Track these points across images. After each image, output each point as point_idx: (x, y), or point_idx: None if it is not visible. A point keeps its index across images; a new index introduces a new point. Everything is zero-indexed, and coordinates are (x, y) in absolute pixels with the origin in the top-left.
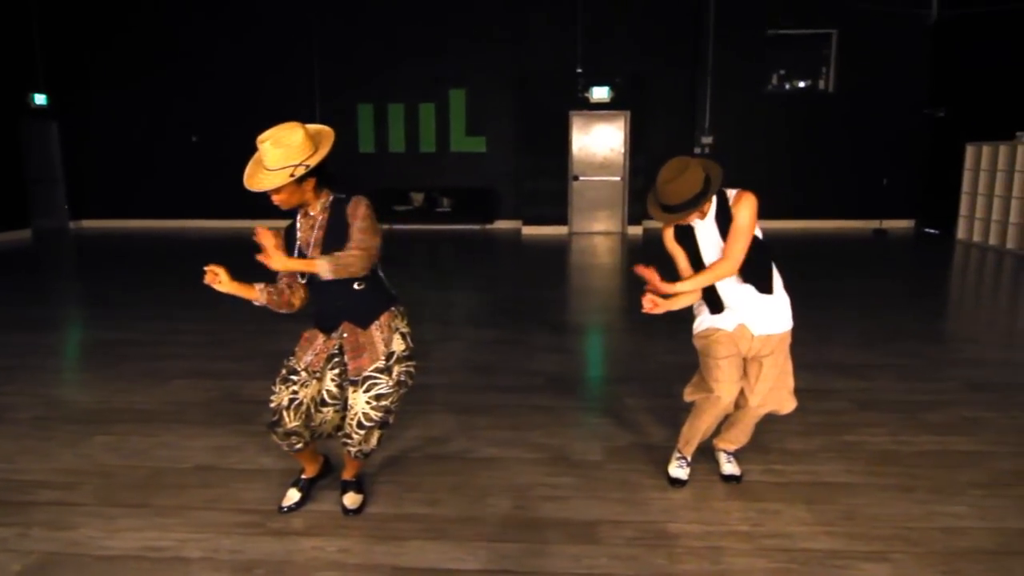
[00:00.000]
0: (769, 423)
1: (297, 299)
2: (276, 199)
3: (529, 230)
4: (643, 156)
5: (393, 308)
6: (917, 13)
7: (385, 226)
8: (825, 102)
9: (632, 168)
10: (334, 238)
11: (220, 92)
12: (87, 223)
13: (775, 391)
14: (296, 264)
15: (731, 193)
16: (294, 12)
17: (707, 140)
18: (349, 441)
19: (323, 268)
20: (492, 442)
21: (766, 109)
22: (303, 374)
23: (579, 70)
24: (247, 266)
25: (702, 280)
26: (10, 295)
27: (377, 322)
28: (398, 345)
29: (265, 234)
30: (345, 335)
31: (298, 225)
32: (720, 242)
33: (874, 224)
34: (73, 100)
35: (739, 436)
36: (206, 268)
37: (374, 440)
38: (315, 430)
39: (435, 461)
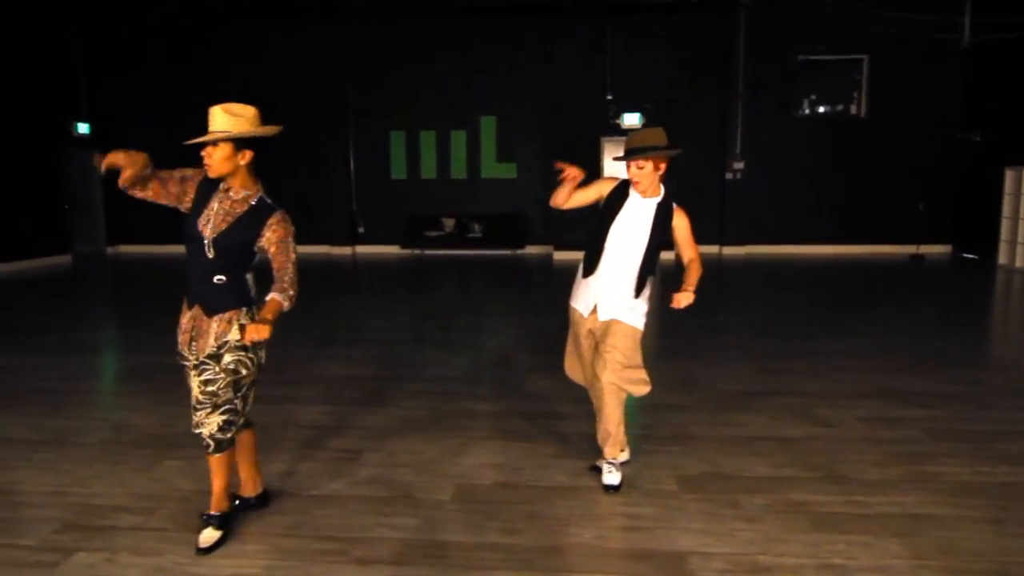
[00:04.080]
0: (842, 452)
1: (138, 191)
2: (208, 159)
3: (561, 255)
4: (674, 181)
5: (244, 308)
6: (949, 38)
7: (416, 251)
8: (857, 127)
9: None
10: (233, 236)
11: None
12: (124, 248)
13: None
14: (270, 320)
15: (674, 205)
16: (328, 41)
17: (738, 165)
18: (193, 420)
19: (284, 303)
20: (561, 470)
21: (798, 134)
22: (184, 362)
23: (609, 97)
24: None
25: (698, 274)
26: (56, 320)
27: (220, 315)
28: (233, 335)
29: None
30: (194, 318)
31: (216, 198)
32: (648, 229)
33: (910, 249)
34: (112, 129)
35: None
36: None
37: (213, 425)
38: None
39: (508, 489)
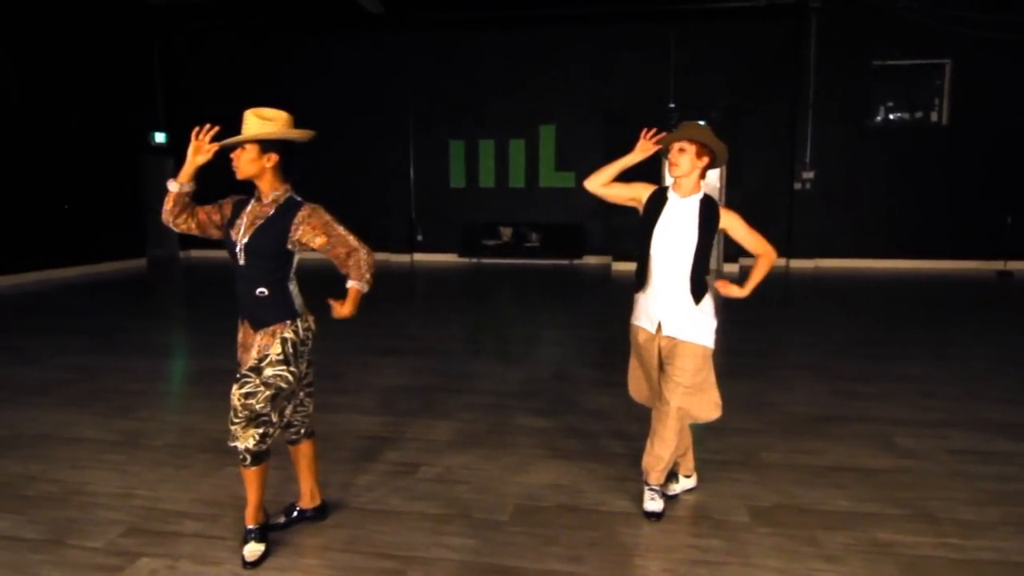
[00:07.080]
0: (931, 487)
1: (182, 222)
2: (235, 161)
3: (619, 265)
4: (739, 192)
5: (289, 321)
6: None
7: (473, 260)
8: (939, 135)
9: (727, 204)
10: (262, 237)
11: (319, 129)
12: (195, 253)
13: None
14: (354, 303)
15: (720, 206)
16: (391, 52)
17: (808, 175)
18: (230, 432)
19: (363, 288)
20: (626, 494)
21: (872, 143)
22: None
23: (671, 105)
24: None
25: (762, 274)
26: (131, 322)
27: (266, 329)
28: (274, 349)
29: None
30: (244, 332)
31: (248, 207)
32: (694, 233)
33: (997, 265)
34: (187, 138)
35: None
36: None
37: (250, 439)
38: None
39: (569, 512)
